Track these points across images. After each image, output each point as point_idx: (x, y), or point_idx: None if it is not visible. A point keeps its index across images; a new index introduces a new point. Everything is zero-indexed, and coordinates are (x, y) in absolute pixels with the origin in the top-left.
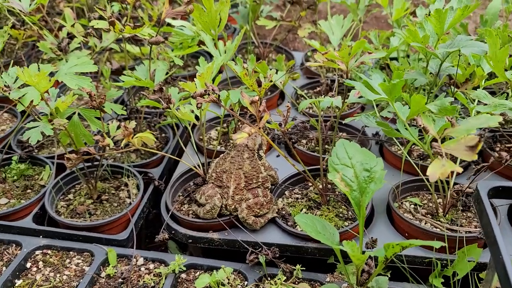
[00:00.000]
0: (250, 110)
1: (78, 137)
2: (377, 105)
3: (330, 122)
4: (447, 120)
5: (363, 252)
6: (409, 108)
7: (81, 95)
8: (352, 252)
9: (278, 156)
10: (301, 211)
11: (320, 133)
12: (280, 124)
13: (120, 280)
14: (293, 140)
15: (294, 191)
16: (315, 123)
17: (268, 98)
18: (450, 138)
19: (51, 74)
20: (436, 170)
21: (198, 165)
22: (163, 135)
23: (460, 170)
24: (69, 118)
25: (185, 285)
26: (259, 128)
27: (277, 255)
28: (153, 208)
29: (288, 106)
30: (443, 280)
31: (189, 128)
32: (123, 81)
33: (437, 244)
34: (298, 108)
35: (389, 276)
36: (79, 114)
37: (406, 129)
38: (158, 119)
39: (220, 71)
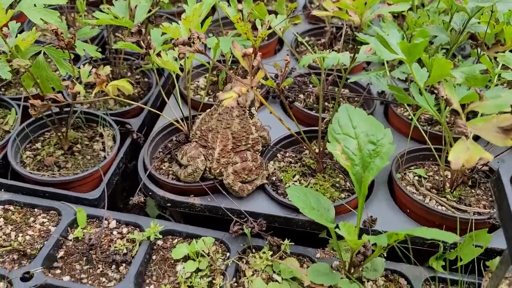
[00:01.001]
0: (242, 64)
1: (44, 81)
2: (387, 62)
3: (332, 77)
4: (475, 91)
5: (361, 234)
6: (428, 71)
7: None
8: (349, 236)
9: (271, 112)
10: (293, 177)
11: (321, 92)
12: (276, 82)
13: (88, 244)
14: (290, 99)
15: (287, 154)
16: (316, 81)
17: (264, 45)
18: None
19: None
20: (460, 155)
21: (182, 119)
22: (146, 79)
23: (491, 157)
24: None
25: (161, 253)
26: (252, 87)
27: (264, 228)
28: (130, 162)
29: (286, 60)
30: (443, 263)
31: (174, 75)
32: (97, 19)
33: (449, 237)
34: (298, 65)
35: (385, 255)
36: (45, 54)
37: (422, 96)
38: (140, 62)
39: (212, 9)
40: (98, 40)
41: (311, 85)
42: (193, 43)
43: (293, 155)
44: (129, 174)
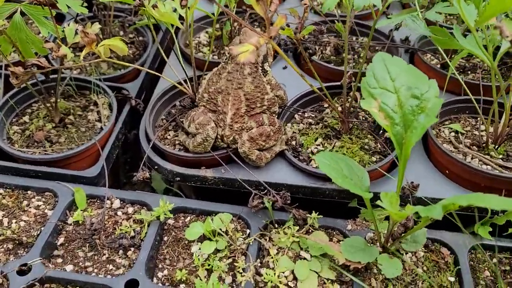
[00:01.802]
0: (255, 10)
1: (24, 44)
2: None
3: (350, 24)
4: None
5: (403, 204)
6: (476, 8)
7: None
8: (392, 208)
9: (285, 67)
10: (315, 141)
11: (346, 41)
12: (294, 31)
13: (91, 228)
14: (310, 51)
15: (306, 114)
16: (341, 28)
17: None
18: None
19: None
20: None
21: (185, 81)
22: (141, 38)
23: None
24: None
25: (173, 233)
26: (271, 38)
27: (288, 201)
28: (130, 132)
29: (306, 4)
30: (491, 229)
31: (172, 30)
32: None
33: (507, 204)
34: (323, 8)
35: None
36: (23, 13)
37: (466, 38)
38: (133, 18)
39: None
40: None
41: (328, 36)
42: None
43: (312, 115)
44: (130, 145)
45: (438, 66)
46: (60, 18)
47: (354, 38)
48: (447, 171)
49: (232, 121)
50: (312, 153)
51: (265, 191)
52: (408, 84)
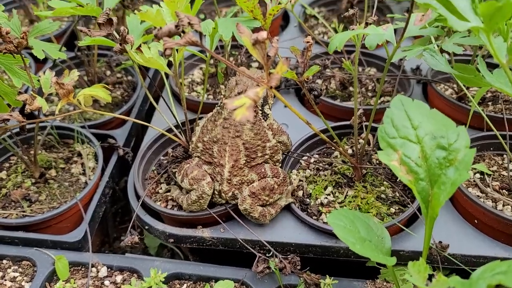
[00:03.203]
0: (252, 54)
1: None
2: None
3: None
4: None
5: (428, 262)
6: (504, 41)
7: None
8: (421, 282)
9: (286, 106)
10: (325, 190)
11: (356, 77)
12: (296, 71)
13: None
14: (316, 93)
15: (312, 159)
16: (349, 66)
17: None
18: None
19: None
20: None
21: (177, 126)
22: (129, 78)
23: None
24: None
25: None
26: (271, 88)
27: (299, 266)
28: (120, 182)
29: (309, 42)
30: None
31: (162, 72)
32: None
33: None
34: (329, 48)
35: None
36: None
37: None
38: (120, 57)
39: None
40: (69, 36)
41: (333, 70)
42: (183, 32)
43: (320, 159)
44: (121, 192)
45: (454, 97)
46: (42, 60)
47: (360, 69)
48: (475, 221)
49: (231, 175)
50: (322, 204)
51: (271, 253)
52: (433, 132)
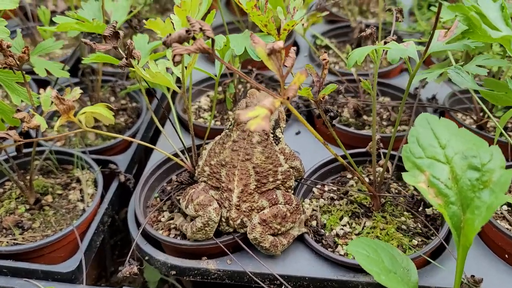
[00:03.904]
0: (267, 66)
1: None
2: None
3: (375, 72)
4: None
5: None
6: None
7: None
8: None
9: (298, 133)
10: (340, 220)
11: (374, 101)
12: (312, 91)
13: None
14: (332, 114)
15: (326, 187)
16: (368, 85)
17: None
18: None
19: None
20: None
21: (183, 151)
22: (134, 104)
23: None
24: None
25: None
26: (287, 99)
27: None
28: (120, 212)
29: (325, 59)
30: None
31: (169, 95)
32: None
33: None
34: (348, 63)
35: None
36: None
37: None
38: (125, 82)
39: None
40: (74, 62)
41: (347, 97)
42: (194, 38)
43: (334, 188)
44: (120, 226)
45: (474, 127)
46: (45, 83)
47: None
48: (506, 255)
49: (240, 200)
50: (338, 235)
51: (283, 286)
52: (463, 151)
